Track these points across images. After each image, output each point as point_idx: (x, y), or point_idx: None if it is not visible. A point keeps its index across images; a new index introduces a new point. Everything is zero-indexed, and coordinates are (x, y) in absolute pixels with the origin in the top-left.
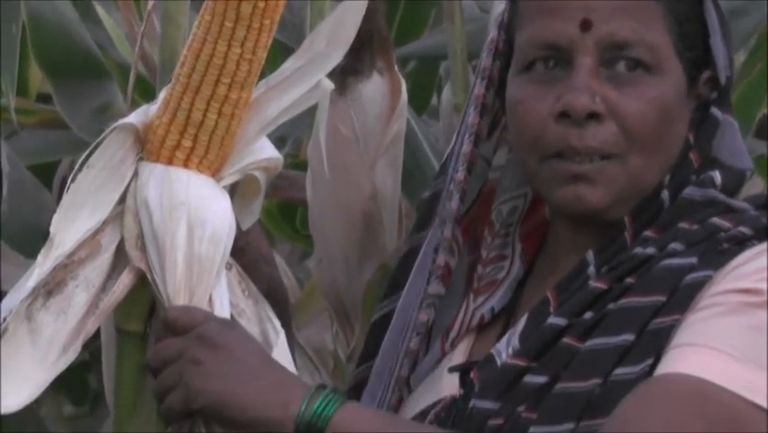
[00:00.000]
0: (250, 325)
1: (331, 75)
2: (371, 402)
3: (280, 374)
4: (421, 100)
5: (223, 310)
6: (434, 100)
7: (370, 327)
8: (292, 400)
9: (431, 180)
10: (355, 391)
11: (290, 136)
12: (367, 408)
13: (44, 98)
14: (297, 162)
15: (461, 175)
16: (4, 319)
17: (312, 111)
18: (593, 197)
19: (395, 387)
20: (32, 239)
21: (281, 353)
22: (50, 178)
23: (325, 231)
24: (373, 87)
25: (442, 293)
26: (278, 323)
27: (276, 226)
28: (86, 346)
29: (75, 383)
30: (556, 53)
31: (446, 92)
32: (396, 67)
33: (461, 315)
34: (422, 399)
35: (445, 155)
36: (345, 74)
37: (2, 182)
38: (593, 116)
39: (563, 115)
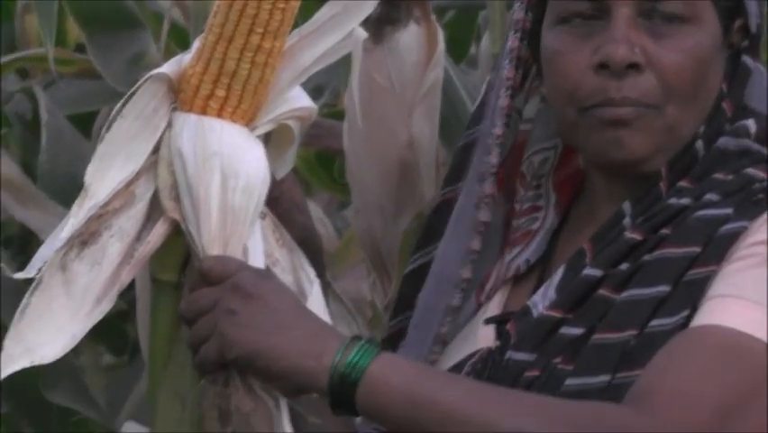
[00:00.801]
0: (284, 274)
1: (367, 24)
2: (409, 357)
3: (315, 324)
4: (459, 49)
5: (257, 260)
6: (472, 50)
7: (404, 279)
8: (326, 350)
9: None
10: (390, 343)
11: (328, 86)
12: (402, 359)
13: (83, 48)
14: (334, 112)
15: (499, 130)
16: (39, 270)
17: (349, 60)
18: (633, 142)
19: (433, 343)
20: (70, 189)
21: (316, 302)
22: (89, 127)
23: (362, 180)
24: (410, 36)
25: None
26: (312, 272)
27: (314, 176)
28: (123, 296)
29: (113, 333)
30: (594, 4)
31: (485, 41)
32: (432, 15)
33: (496, 267)
34: (458, 351)
35: (475, 105)
36: (381, 23)
37: (40, 131)
38: (632, 67)
39: (602, 67)
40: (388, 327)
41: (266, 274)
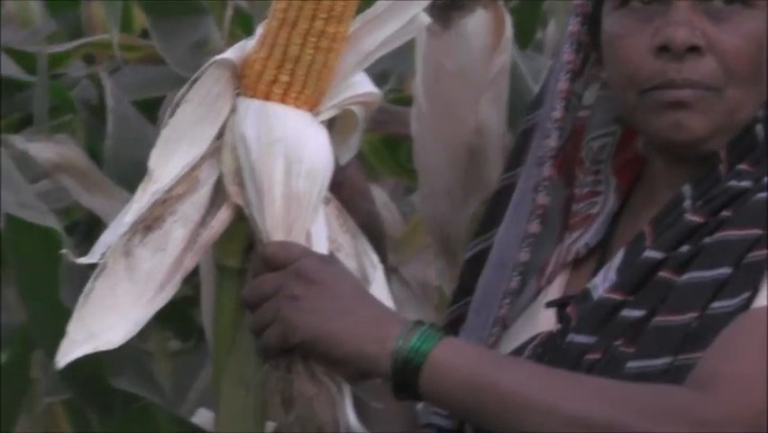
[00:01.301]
0: (347, 259)
1: (434, 9)
2: (469, 340)
3: (377, 310)
4: (525, 35)
5: (320, 245)
6: (538, 35)
7: (464, 264)
8: (389, 335)
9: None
10: (451, 328)
11: (394, 71)
12: (464, 343)
13: (148, 34)
14: (401, 97)
15: (558, 113)
16: (103, 255)
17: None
18: (692, 124)
19: (493, 326)
20: (136, 174)
21: (379, 288)
22: (154, 113)
23: (430, 165)
24: (477, 22)
25: (539, 232)
26: (375, 258)
27: (380, 161)
28: (189, 281)
29: (180, 318)
30: None
31: (551, 27)
32: (499, 1)
33: (556, 251)
34: (518, 334)
35: (536, 91)
36: (448, 9)
37: (106, 117)
38: (693, 50)
39: (663, 49)
40: (448, 313)
41: (329, 260)
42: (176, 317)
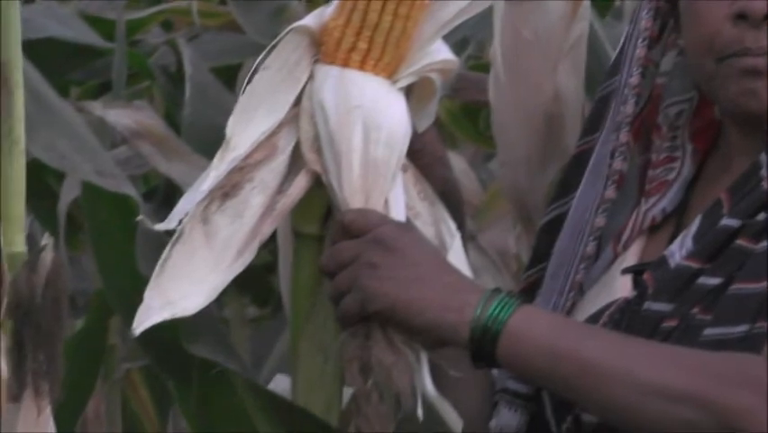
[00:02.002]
0: (425, 227)
1: None
2: (545, 306)
3: (456, 278)
4: (604, 2)
5: (398, 213)
6: (617, 2)
7: (540, 230)
8: (467, 303)
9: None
10: (527, 294)
11: (473, 38)
12: (542, 311)
13: (226, 1)
14: (479, 64)
15: (635, 80)
16: (181, 222)
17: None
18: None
19: (569, 291)
20: (214, 141)
21: (456, 255)
22: (233, 80)
23: (508, 133)
24: None
25: (616, 198)
26: (453, 225)
27: (459, 128)
28: (266, 247)
29: (258, 285)
30: None
31: None
32: None
33: (632, 217)
34: (595, 301)
35: (613, 58)
36: None
37: (184, 84)
38: None
39: (740, 17)
40: (524, 278)
41: (407, 227)
42: (253, 283)
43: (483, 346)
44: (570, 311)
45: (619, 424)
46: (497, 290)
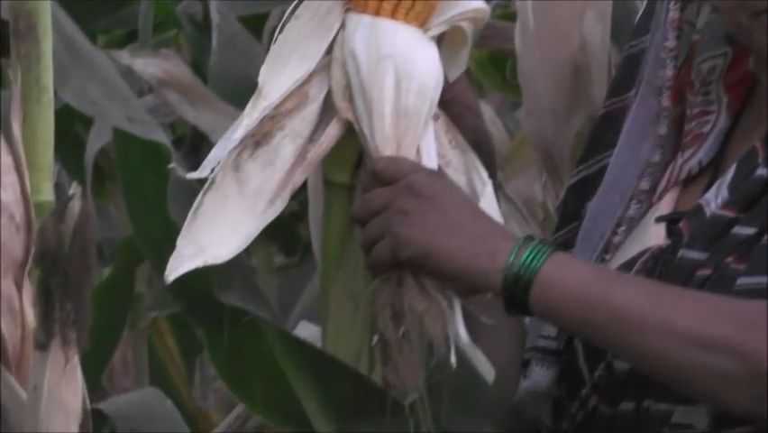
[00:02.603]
0: (456, 175)
1: None
2: None
3: (488, 225)
4: None
5: (430, 161)
6: None
7: (568, 190)
8: (500, 250)
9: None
10: None
11: None
12: (575, 259)
13: None
14: (506, 13)
15: (671, 43)
16: (212, 170)
17: None
18: None
19: (604, 252)
20: (241, 90)
21: (488, 203)
22: (260, 29)
23: (534, 82)
24: None
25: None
26: (484, 173)
27: (486, 76)
28: (295, 196)
29: (285, 233)
30: None
31: None
32: None
33: (669, 170)
34: (629, 249)
35: (639, 15)
36: None
37: (211, 33)
38: None
39: None
40: (554, 239)
41: (439, 175)
42: (281, 232)
43: (516, 294)
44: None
45: (652, 372)
46: (529, 238)
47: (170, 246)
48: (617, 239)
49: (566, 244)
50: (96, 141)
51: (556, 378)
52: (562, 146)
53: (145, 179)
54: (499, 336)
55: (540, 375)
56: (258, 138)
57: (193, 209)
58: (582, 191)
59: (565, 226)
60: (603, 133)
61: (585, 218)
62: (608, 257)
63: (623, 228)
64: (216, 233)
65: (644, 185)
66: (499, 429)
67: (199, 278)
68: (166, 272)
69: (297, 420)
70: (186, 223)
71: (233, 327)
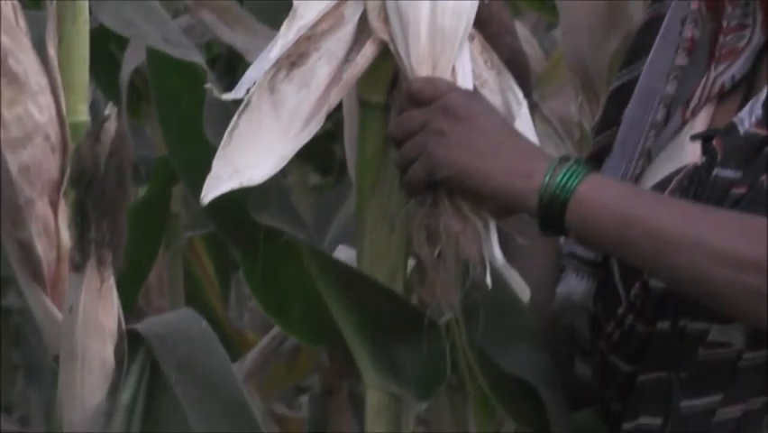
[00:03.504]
0: (492, 95)
1: None
2: (614, 172)
3: (524, 145)
4: None
5: (466, 81)
6: None
7: (609, 96)
8: (536, 170)
9: None
10: (595, 159)
11: None
12: (611, 179)
13: None
14: None
15: None
16: (248, 91)
17: None
18: None
19: (638, 158)
20: (277, 10)
21: (524, 123)
22: None
23: (571, 1)
24: None
25: (686, 65)
26: (520, 93)
27: None
28: (329, 117)
29: (321, 153)
30: None
31: None
32: None
33: (701, 83)
34: (663, 167)
35: None
36: None
37: None
38: None
39: None
40: (593, 144)
41: (475, 95)
42: (316, 151)
43: (551, 214)
44: (638, 178)
45: (686, 290)
46: (565, 158)
47: (205, 167)
48: (648, 144)
49: (606, 149)
50: (131, 61)
51: (591, 291)
52: (598, 65)
53: (180, 100)
54: (534, 256)
55: (574, 284)
56: (293, 59)
57: (228, 131)
58: (622, 96)
59: (604, 131)
60: (644, 39)
61: (622, 123)
62: (641, 163)
63: (652, 133)
64: (252, 154)
65: (670, 89)
66: (537, 346)
67: (235, 198)
68: (202, 194)
69: (333, 341)
70: (221, 144)
71: (269, 247)
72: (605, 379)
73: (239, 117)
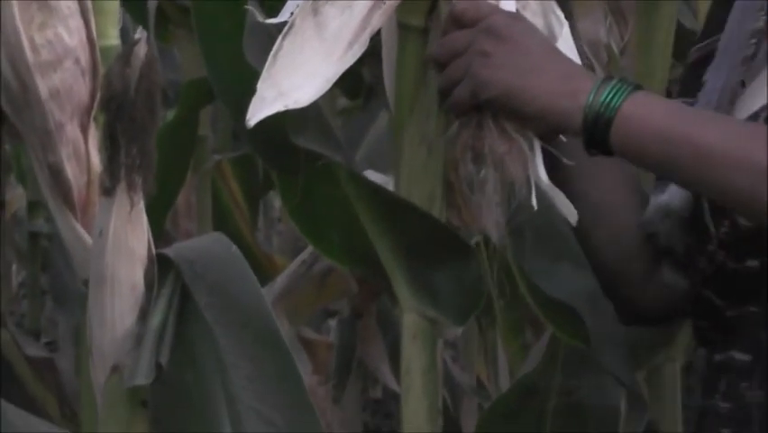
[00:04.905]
0: (534, 17)
1: None
2: (716, 79)
3: (568, 65)
4: None
5: (508, 3)
6: None
7: (714, 2)
8: (580, 89)
9: None
10: (696, 67)
11: None
12: (656, 97)
13: None
14: None
15: None
16: (292, 14)
17: None
18: None
19: (741, 64)
20: None
21: (566, 44)
22: None
23: None
24: None
25: None
26: (561, 15)
27: None
28: None
29: (349, 76)
30: None
31: None
32: None
33: None
34: (755, 98)
35: None
36: None
37: None
38: None
39: None
40: (694, 50)
41: (518, 17)
42: (344, 74)
43: (596, 132)
44: (731, 101)
45: (734, 207)
46: (609, 77)
47: (246, 89)
48: (748, 52)
49: (708, 57)
50: None
51: (690, 202)
52: None
53: (220, 22)
54: (608, 173)
55: (674, 194)
56: None
57: (272, 53)
58: (728, 2)
59: (707, 38)
60: (718, 12)
61: (724, 32)
62: (742, 70)
63: (753, 41)
64: (296, 76)
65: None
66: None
67: (273, 121)
68: (247, 116)
69: (370, 264)
70: (266, 66)
71: (308, 170)
72: (699, 311)
73: (283, 39)
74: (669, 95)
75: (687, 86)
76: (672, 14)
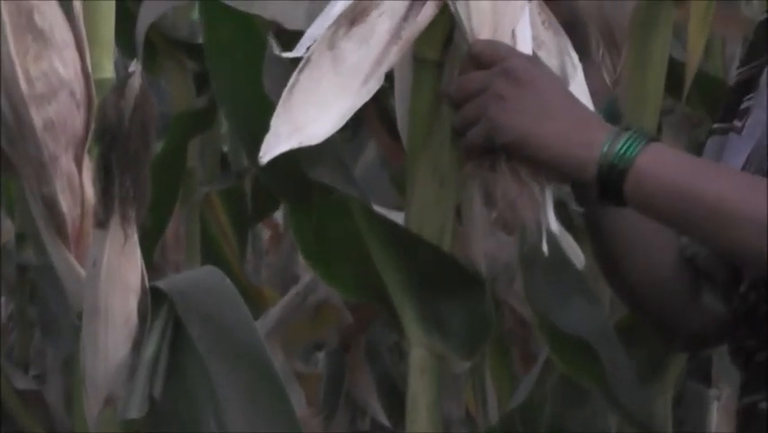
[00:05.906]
0: (549, 57)
1: None
2: (759, 109)
3: (584, 114)
4: None
5: (525, 45)
6: None
7: (758, 25)
8: (595, 139)
9: None
10: (738, 90)
11: None
12: (671, 150)
13: None
14: None
15: None
16: (308, 48)
17: None
18: None
19: None
20: None
21: (579, 87)
22: None
23: None
24: None
25: None
26: (576, 57)
27: None
28: None
29: None
30: None
31: None
32: None
33: None
34: None
35: None
36: None
37: None
38: None
39: None
40: (737, 75)
41: (536, 61)
42: None
43: (610, 184)
44: None
45: (746, 264)
46: (625, 127)
47: (259, 120)
48: None
49: (749, 81)
50: (148, 16)
51: None
52: (619, 17)
53: (235, 54)
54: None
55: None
56: (354, 16)
57: (288, 87)
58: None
59: (751, 62)
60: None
61: None
62: None
63: None
64: (312, 111)
65: None
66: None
67: (287, 154)
68: (261, 152)
69: (378, 297)
70: (281, 100)
71: (320, 203)
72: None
73: (299, 74)
74: (660, 127)
75: (726, 111)
76: (666, 44)
